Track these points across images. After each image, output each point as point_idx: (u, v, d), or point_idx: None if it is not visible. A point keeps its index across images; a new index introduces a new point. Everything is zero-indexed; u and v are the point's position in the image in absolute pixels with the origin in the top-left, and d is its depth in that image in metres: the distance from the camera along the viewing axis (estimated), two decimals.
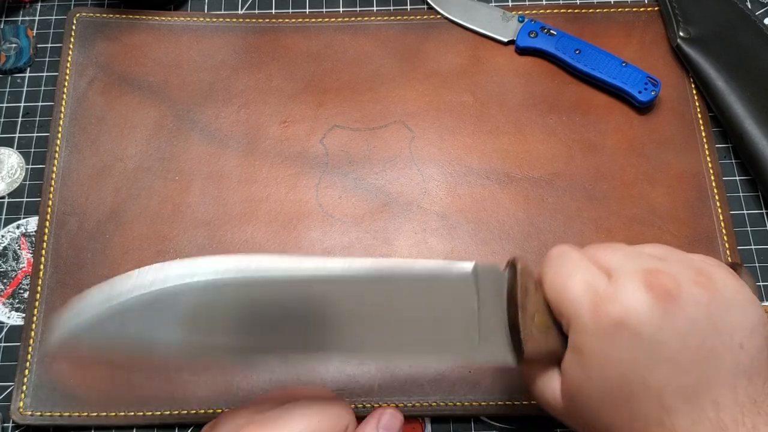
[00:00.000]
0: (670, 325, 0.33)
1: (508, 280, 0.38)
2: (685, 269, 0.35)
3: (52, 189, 0.54)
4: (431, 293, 0.38)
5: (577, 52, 0.57)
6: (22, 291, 0.52)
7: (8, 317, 0.51)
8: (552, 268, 0.38)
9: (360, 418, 0.48)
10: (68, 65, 0.58)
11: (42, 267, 0.52)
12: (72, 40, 0.59)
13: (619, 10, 0.61)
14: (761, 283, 0.52)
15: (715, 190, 0.54)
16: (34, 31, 0.60)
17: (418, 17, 0.60)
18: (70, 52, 0.59)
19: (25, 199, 0.55)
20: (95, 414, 0.48)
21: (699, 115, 0.57)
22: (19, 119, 0.57)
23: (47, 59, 0.59)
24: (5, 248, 0.53)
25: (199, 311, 0.35)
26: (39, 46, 0.60)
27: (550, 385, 0.39)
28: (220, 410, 0.48)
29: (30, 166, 0.56)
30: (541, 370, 0.39)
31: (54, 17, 0.61)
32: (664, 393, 0.33)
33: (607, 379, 0.35)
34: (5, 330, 0.51)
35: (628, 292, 0.34)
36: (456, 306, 0.38)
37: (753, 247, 0.53)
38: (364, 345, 0.38)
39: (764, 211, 0.55)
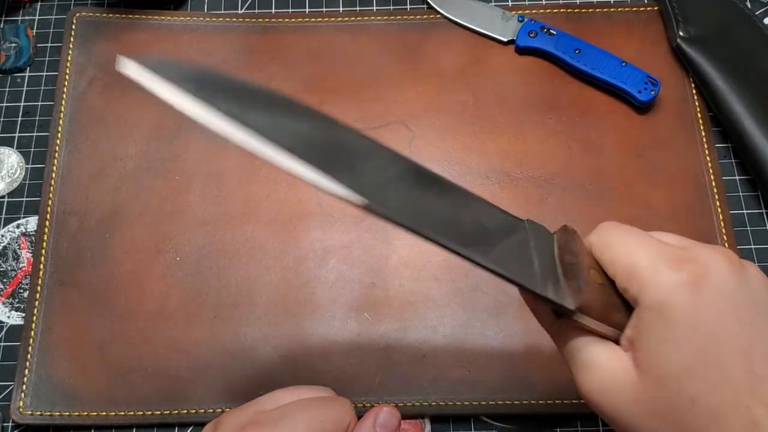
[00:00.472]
0: (744, 291, 0.33)
1: (558, 236, 0.38)
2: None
3: (51, 188, 0.54)
4: (492, 220, 0.38)
5: (577, 51, 0.57)
6: (21, 290, 0.52)
7: (8, 317, 0.51)
8: (616, 232, 0.36)
9: (360, 417, 0.48)
10: (68, 65, 0.58)
11: (42, 266, 0.52)
12: (72, 39, 0.59)
13: (619, 9, 0.61)
14: None
15: (715, 190, 0.54)
16: (34, 31, 0.60)
17: (418, 17, 0.60)
18: (70, 52, 0.59)
19: (24, 199, 0.55)
20: (95, 413, 0.48)
21: (699, 115, 0.57)
22: (19, 119, 0.57)
23: (47, 59, 0.59)
24: (5, 248, 0.53)
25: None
26: (39, 45, 0.60)
27: (615, 362, 0.35)
28: (220, 410, 0.48)
29: (30, 166, 0.56)
30: (596, 345, 0.36)
31: (54, 17, 0.61)
32: (752, 357, 0.32)
33: (698, 337, 0.33)
34: (5, 329, 0.51)
35: (706, 254, 0.34)
36: (513, 236, 0.37)
37: (753, 246, 0.53)
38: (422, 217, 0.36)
39: (764, 210, 0.55)
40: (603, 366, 0.35)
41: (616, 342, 0.35)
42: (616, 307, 0.36)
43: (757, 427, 0.31)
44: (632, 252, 0.35)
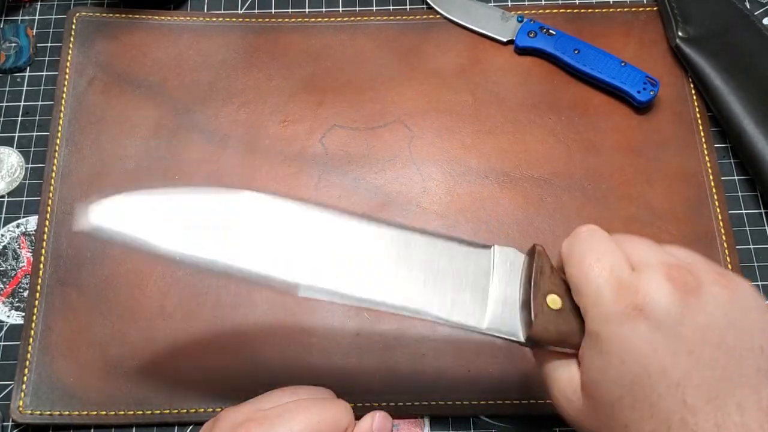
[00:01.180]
0: (690, 318, 0.33)
1: (525, 260, 0.39)
2: (707, 269, 0.35)
3: (51, 188, 0.54)
4: (450, 259, 0.39)
5: (576, 51, 0.57)
6: (21, 290, 0.52)
7: (8, 316, 0.51)
8: (580, 246, 0.37)
9: (358, 418, 0.49)
10: (68, 64, 0.58)
11: (42, 266, 0.52)
12: (72, 39, 0.59)
13: (618, 10, 0.61)
14: (760, 283, 0.52)
15: (714, 190, 0.55)
16: (34, 31, 0.60)
17: (417, 17, 0.60)
18: (70, 52, 0.59)
19: (24, 199, 0.55)
20: (95, 413, 0.48)
21: (698, 115, 0.57)
22: (19, 118, 0.57)
23: (47, 58, 0.59)
24: (5, 247, 0.53)
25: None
26: (39, 45, 0.60)
27: (570, 380, 0.38)
28: (219, 409, 0.48)
29: (30, 166, 0.56)
30: (560, 363, 0.38)
31: (54, 17, 0.61)
32: (685, 388, 0.33)
33: (627, 368, 0.34)
34: (5, 329, 0.51)
35: (651, 282, 0.34)
36: (472, 275, 0.39)
37: (751, 246, 0.54)
38: (376, 292, 0.38)
39: (763, 210, 0.55)
40: (560, 381, 0.38)
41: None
42: (574, 331, 0.37)
43: None
44: (583, 273, 0.36)
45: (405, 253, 0.39)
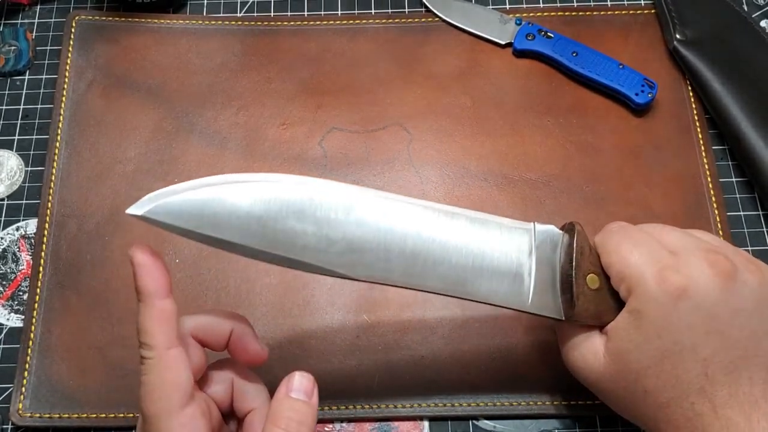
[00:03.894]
0: (726, 302, 0.37)
1: (564, 239, 0.41)
2: (739, 257, 0.39)
3: (51, 191, 0.54)
4: (488, 242, 0.40)
5: (574, 54, 0.57)
6: (21, 293, 0.52)
7: (8, 319, 0.51)
8: (615, 237, 0.40)
9: (359, 420, 0.49)
10: (67, 68, 0.58)
11: (41, 269, 0.52)
12: (71, 42, 0.59)
13: (616, 12, 0.61)
14: None
15: (712, 192, 0.55)
16: (34, 34, 0.60)
17: (415, 20, 0.61)
18: (70, 55, 0.59)
19: (24, 201, 0.55)
20: (94, 415, 0.48)
21: (696, 117, 0.57)
22: (19, 122, 0.58)
23: (46, 62, 0.59)
24: (5, 250, 0.54)
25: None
26: (38, 48, 0.60)
27: (592, 346, 0.41)
28: None
29: (29, 169, 0.56)
30: (582, 331, 0.41)
31: (53, 20, 0.61)
32: (710, 363, 0.37)
33: (662, 343, 0.37)
34: (5, 332, 0.51)
35: (693, 266, 0.37)
36: (514, 255, 0.40)
37: (750, 248, 0.54)
38: (422, 273, 0.39)
39: (761, 212, 0.55)
40: (581, 346, 0.41)
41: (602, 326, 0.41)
42: (610, 309, 0.40)
43: (698, 418, 0.37)
44: (623, 259, 0.39)
45: (448, 232, 0.40)
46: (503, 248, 0.40)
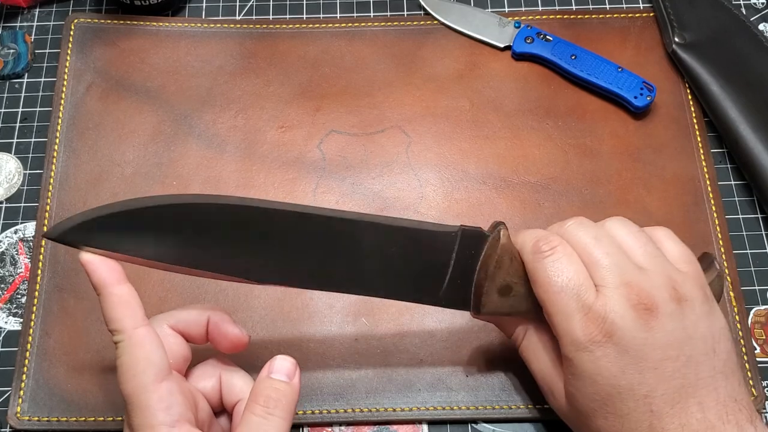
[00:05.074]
0: (652, 339, 0.37)
1: (487, 247, 0.41)
2: (662, 283, 0.38)
3: (50, 194, 0.54)
4: (414, 243, 0.41)
5: (573, 57, 0.58)
6: (19, 296, 0.52)
7: (6, 322, 0.51)
8: (545, 270, 0.39)
9: (357, 423, 0.49)
10: (66, 71, 0.58)
11: (40, 272, 0.52)
12: (70, 45, 0.59)
13: (615, 15, 0.61)
14: (757, 287, 0.53)
15: (711, 195, 0.55)
16: (32, 37, 0.60)
17: (414, 23, 0.61)
18: (68, 58, 0.59)
19: (22, 204, 0.55)
20: (93, 419, 0.48)
21: (694, 120, 0.57)
22: (17, 124, 0.57)
23: (45, 65, 0.59)
24: (3, 253, 0.53)
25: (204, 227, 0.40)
26: (37, 51, 0.60)
27: (558, 387, 0.42)
28: None
29: (28, 171, 0.56)
30: (553, 374, 0.42)
31: (52, 23, 0.61)
32: (652, 399, 0.37)
33: (600, 388, 0.38)
34: (3, 335, 0.51)
35: (615, 309, 0.37)
36: (434, 258, 0.41)
37: (748, 251, 0.54)
38: (334, 272, 0.41)
39: (759, 215, 0.55)
40: (547, 380, 0.43)
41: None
42: (522, 310, 0.42)
43: None
44: (552, 301, 0.39)
45: (374, 240, 0.41)
46: (424, 252, 0.41)
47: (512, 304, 0.42)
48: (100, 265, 0.39)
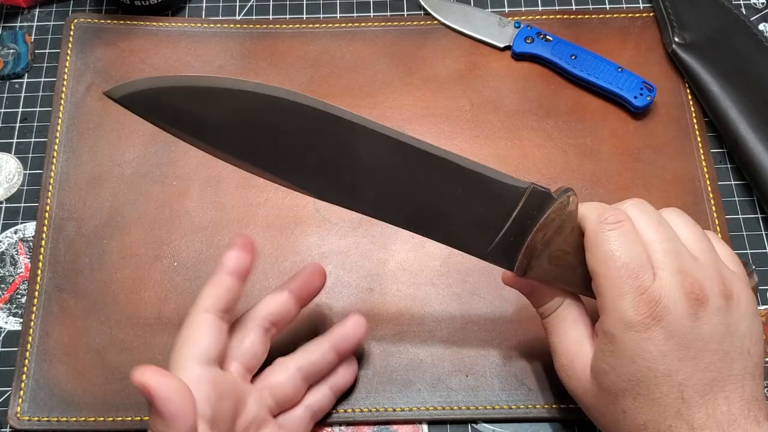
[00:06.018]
0: (698, 329, 0.37)
1: (552, 210, 0.40)
2: (714, 276, 0.39)
3: (49, 194, 0.54)
4: (479, 189, 0.40)
5: (573, 57, 0.57)
6: (19, 296, 0.52)
7: (6, 322, 0.51)
8: (607, 244, 0.39)
9: (357, 423, 0.49)
10: (66, 71, 0.58)
11: (39, 272, 0.52)
12: (70, 45, 0.59)
13: (615, 15, 0.61)
14: (759, 287, 0.52)
15: (711, 195, 0.55)
16: (32, 37, 0.60)
17: (414, 23, 0.61)
18: (68, 58, 0.59)
19: (22, 204, 0.55)
20: (93, 419, 0.48)
21: (694, 120, 0.57)
22: (17, 125, 0.57)
23: (45, 65, 0.59)
24: (3, 253, 0.53)
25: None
26: (37, 51, 0.60)
27: (582, 357, 0.41)
28: None
29: (28, 172, 0.56)
30: (574, 339, 0.42)
31: (52, 23, 0.61)
32: (685, 387, 0.37)
33: (636, 368, 0.38)
34: (3, 335, 0.51)
35: (669, 295, 0.38)
36: (495, 209, 0.41)
37: (748, 251, 0.54)
38: (386, 205, 0.41)
39: (760, 215, 0.55)
40: (570, 356, 0.42)
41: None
42: (569, 281, 0.42)
43: None
44: (608, 276, 0.39)
45: (432, 176, 0.40)
46: (488, 200, 0.41)
47: (559, 274, 0.41)
48: (239, 254, 0.43)
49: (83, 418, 0.48)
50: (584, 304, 0.43)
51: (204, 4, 0.62)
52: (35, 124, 0.57)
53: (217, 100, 0.37)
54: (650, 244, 0.39)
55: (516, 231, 0.41)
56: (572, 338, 0.42)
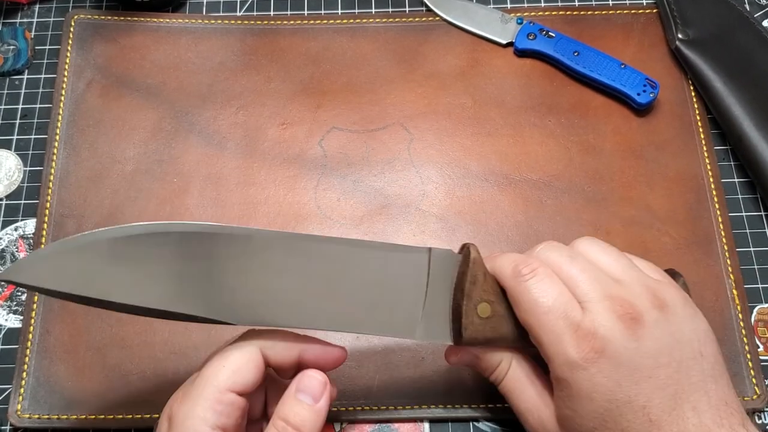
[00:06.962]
0: (643, 348, 0.37)
1: (459, 266, 0.41)
2: (642, 292, 0.39)
3: (50, 191, 0.54)
4: (384, 270, 0.40)
5: (576, 54, 0.57)
6: (20, 293, 0.52)
7: (6, 320, 0.51)
8: (528, 294, 0.39)
9: (358, 422, 0.48)
10: (66, 67, 0.58)
11: None
12: (70, 42, 0.59)
13: (618, 12, 0.61)
14: (761, 285, 0.52)
15: (714, 192, 0.54)
16: (32, 33, 0.60)
17: (416, 19, 0.60)
18: (68, 54, 0.58)
19: (23, 201, 0.55)
20: (93, 417, 0.48)
21: (698, 117, 0.57)
22: (17, 121, 0.57)
23: (45, 61, 0.59)
24: (3, 250, 0.53)
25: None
26: (37, 48, 0.60)
27: (548, 415, 0.41)
28: None
29: (28, 168, 0.56)
30: (540, 404, 0.41)
31: (52, 19, 0.61)
32: (649, 409, 0.37)
33: (597, 405, 0.37)
34: (3, 332, 0.51)
35: (604, 325, 0.37)
36: (406, 285, 0.40)
37: (752, 249, 0.53)
38: (306, 307, 0.39)
39: (763, 213, 0.55)
40: (536, 412, 0.41)
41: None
42: (503, 335, 0.41)
43: None
44: (539, 324, 0.38)
45: (340, 269, 0.39)
46: (395, 278, 0.40)
47: (494, 327, 0.40)
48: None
49: (83, 416, 0.48)
50: (534, 360, 0.43)
51: (205, 0, 0.62)
52: (35, 120, 0.57)
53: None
54: (569, 279, 0.39)
55: (435, 298, 0.41)
56: (532, 395, 0.42)
